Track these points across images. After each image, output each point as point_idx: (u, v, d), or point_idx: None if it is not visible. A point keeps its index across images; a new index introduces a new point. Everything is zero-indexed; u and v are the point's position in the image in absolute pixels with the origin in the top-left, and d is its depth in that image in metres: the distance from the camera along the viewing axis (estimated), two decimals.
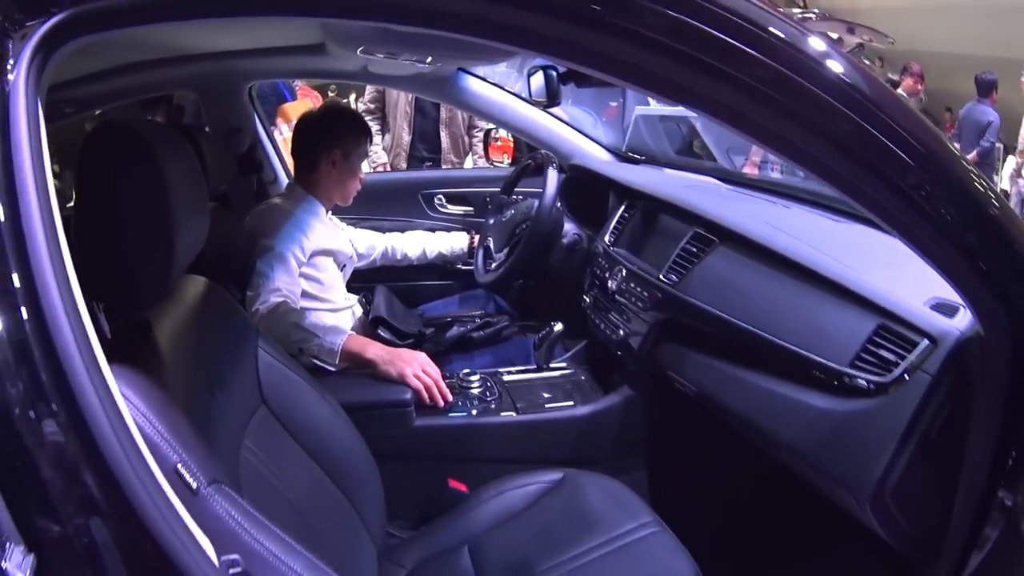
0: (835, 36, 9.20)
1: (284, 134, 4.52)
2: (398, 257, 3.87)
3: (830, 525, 2.29)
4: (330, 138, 3.24)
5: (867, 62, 12.23)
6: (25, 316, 1.06)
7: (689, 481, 2.87)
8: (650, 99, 5.09)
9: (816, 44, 1.22)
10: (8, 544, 1.01)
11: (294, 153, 3.39)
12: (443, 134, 5.94)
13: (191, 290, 1.94)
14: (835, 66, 1.23)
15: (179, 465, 1.23)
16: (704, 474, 2.85)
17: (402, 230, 3.99)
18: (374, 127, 5.85)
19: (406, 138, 5.97)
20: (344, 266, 3.36)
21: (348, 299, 3.38)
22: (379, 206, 4.18)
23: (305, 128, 3.36)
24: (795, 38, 1.22)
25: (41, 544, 1.03)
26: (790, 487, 2.36)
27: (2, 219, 1.09)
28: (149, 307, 1.66)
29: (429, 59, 3.04)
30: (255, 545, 1.29)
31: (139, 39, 2.57)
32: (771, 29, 1.21)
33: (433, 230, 4.04)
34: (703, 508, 2.60)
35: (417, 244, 3.91)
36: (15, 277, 1.06)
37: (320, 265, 3.18)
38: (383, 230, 3.92)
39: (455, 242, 3.96)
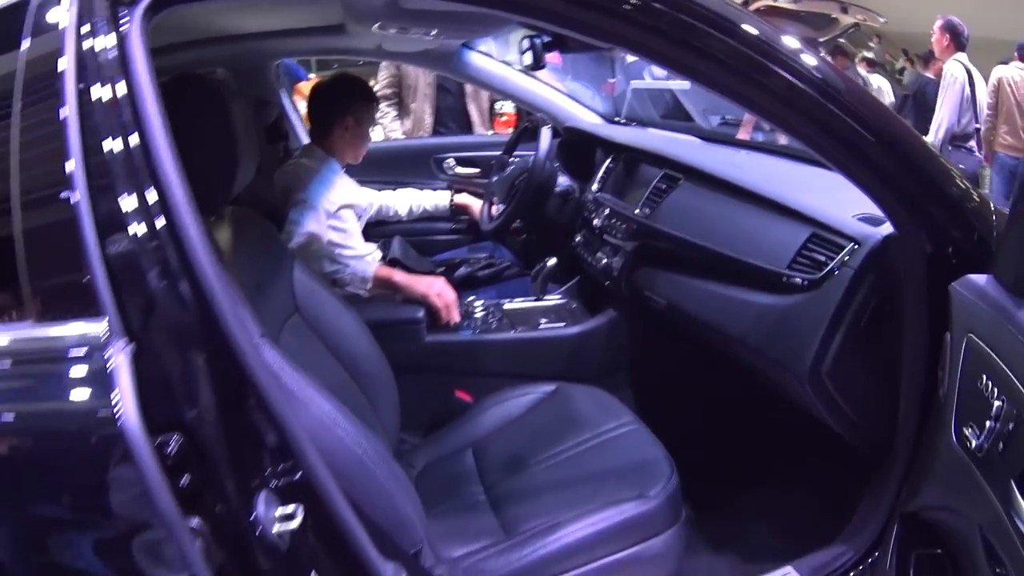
0: (832, 16, 9.41)
1: (302, 110, 4.83)
2: (391, 213, 4.17)
3: (798, 431, 2.62)
4: (343, 106, 3.48)
5: (872, 44, 12.39)
6: (160, 218, 1.35)
7: (667, 390, 3.18)
8: (645, 75, 5.43)
9: (790, 41, 1.67)
10: (113, 336, 1.30)
11: (310, 118, 3.65)
12: (472, 109, 5.88)
13: (238, 215, 2.28)
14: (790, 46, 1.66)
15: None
16: (679, 383, 3.18)
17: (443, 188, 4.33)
18: (391, 113, 5.90)
19: (428, 120, 5.90)
20: (360, 217, 3.61)
21: (367, 246, 3.58)
22: (395, 169, 4.51)
23: (319, 96, 3.60)
24: (768, 35, 1.65)
25: (140, 338, 1.31)
26: (759, 396, 2.72)
27: (136, 142, 1.38)
28: (209, 214, 2.03)
29: (434, 32, 3.25)
30: (293, 385, 1.61)
31: (182, 22, 2.77)
32: (744, 25, 1.63)
33: (422, 189, 4.34)
34: (679, 414, 2.85)
35: (406, 201, 4.19)
36: (151, 191, 1.36)
37: (344, 217, 3.39)
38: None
39: (439, 199, 4.24)
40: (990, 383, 1.43)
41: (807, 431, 2.51)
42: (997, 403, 1.39)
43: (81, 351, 1.34)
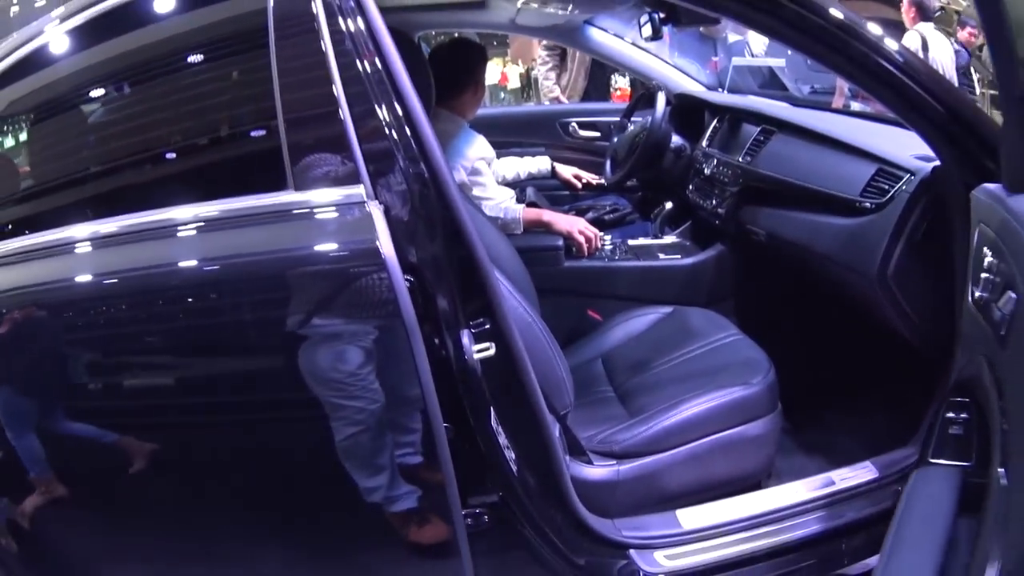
0: None
1: None
2: (497, 177, 4.21)
3: (876, 352, 3.01)
4: (470, 71, 3.67)
5: (969, 26, 12.45)
6: (400, 116, 1.72)
7: (765, 313, 3.54)
8: (745, 53, 5.87)
9: (873, 27, 2.09)
10: (368, 196, 1.68)
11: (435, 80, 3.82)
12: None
13: None
14: (875, 32, 2.09)
15: None
16: (776, 307, 3.57)
17: (543, 154, 4.56)
18: (551, 62, 6.14)
19: (581, 83, 6.12)
20: (489, 165, 3.78)
21: (504, 191, 3.79)
22: (524, 132, 4.95)
23: (446, 60, 3.70)
24: (852, 20, 2.06)
25: (387, 203, 1.68)
26: (843, 320, 3.12)
27: (380, 64, 1.76)
28: None
29: (570, 7, 3.62)
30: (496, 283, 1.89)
31: None
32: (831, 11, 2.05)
33: (523, 155, 4.51)
34: (775, 332, 3.07)
35: (512, 167, 4.33)
36: (396, 103, 1.74)
37: (481, 170, 3.62)
38: (532, 154, 4.52)
39: (541, 164, 4.40)
40: (989, 251, 1.82)
41: (883, 352, 2.91)
42: (990, 260, 1.79)
43: (347, 205, 1.71)
